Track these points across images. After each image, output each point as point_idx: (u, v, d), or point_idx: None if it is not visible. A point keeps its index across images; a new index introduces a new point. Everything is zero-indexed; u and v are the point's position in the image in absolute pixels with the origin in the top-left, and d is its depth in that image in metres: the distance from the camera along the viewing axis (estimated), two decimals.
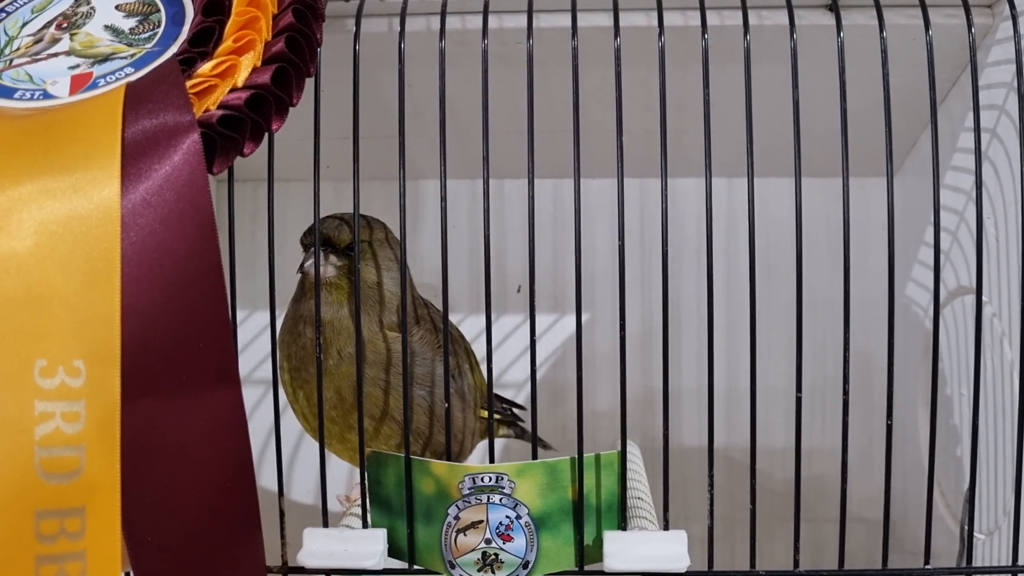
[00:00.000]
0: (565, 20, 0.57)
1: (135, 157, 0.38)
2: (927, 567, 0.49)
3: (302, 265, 0.54)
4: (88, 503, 0.36)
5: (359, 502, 0.53)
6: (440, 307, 0.62)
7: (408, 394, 0.51)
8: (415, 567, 0.49)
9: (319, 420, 0.49)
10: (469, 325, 0.78)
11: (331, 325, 0.54)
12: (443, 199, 0.47)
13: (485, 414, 0.58)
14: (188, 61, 0.44)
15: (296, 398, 0.56)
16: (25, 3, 0.48)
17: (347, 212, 0.56)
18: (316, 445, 0.52)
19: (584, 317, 0.79)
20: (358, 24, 0.50)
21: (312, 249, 0.55)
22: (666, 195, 0.47)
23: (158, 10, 0.47)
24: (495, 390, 0.67)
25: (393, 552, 0.49)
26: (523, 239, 0.79)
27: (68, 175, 0.37)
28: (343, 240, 0.55)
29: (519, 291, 0.79)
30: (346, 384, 0.53)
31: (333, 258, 0.55)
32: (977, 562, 0.57)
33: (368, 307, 0.55)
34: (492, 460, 0.49)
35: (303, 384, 0.55)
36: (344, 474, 0.75)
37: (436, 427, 0.55)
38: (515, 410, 0.68)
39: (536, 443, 0.54)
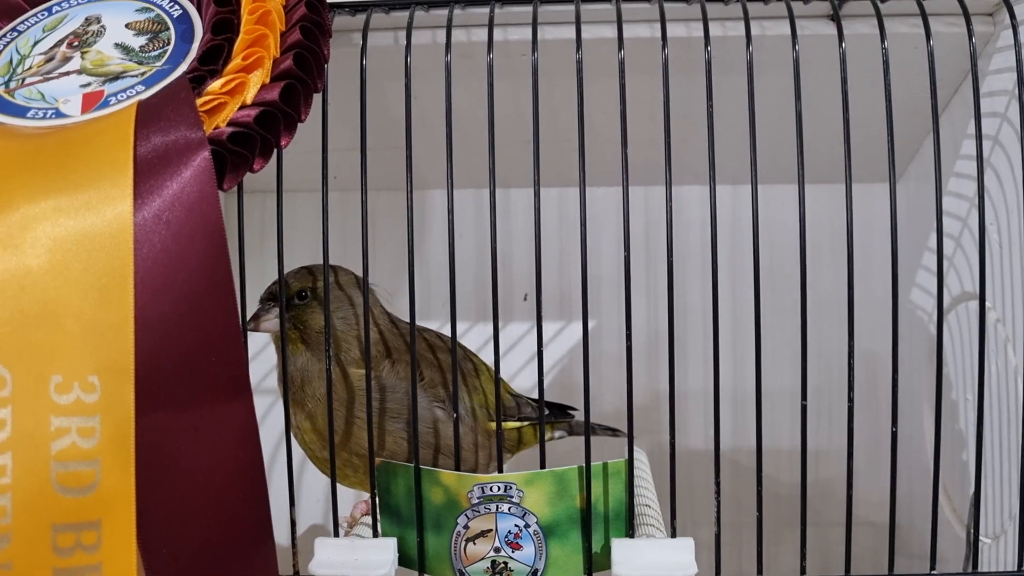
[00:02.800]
0: (569, 32, 0.57)
1: (147, 174, 0.39)
2: (933, 571, 0.49)
3: (249, 320, 0.53)
4: (104, 516, 0.37)
5: (362, 520, 0.53)
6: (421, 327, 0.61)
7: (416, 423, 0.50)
8: None
9: (329, 431, 0.50)
10: (476, 334, 0.78)
11: (301, 375, 0.54)
12: (450, 211, 0.48)
13: (493, 426, 0.58)
14: (198, 79, 0.44)
15: (298, 434, 0.56)
16: (36, 22, 0.49)
17: (305, 266, 0.57)
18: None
19: (590, 324, 0.79)
20: (365, 38, 0.50)
21: (266, 304, 0.55)
22: (671, 203, 0.48)
23: (168, 28, 0.47)
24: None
25: (403, 561, 0.50)
26: (528, 247, 0.79)
27: (81, 193, 0.38)
28: (286, 291, 0.54)
29: (525, 299, 0.80)
30: (326, 425, 0.52)
31: (275, 310, 0.54)
32: (983, 566, 0.57)
33: (320, 352, 0.54)
34: (500, 470, 0.49)
35: (301, 426, 0.55)
36: None
37: (424, 451, 0.54)
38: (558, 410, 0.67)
39: (543, 452, 0.54)
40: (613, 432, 0.65)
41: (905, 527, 0.71)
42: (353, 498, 0.74)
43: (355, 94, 0.49)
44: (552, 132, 0.61)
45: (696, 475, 0.72)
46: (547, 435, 0.63)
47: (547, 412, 0.62)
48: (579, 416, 0.67)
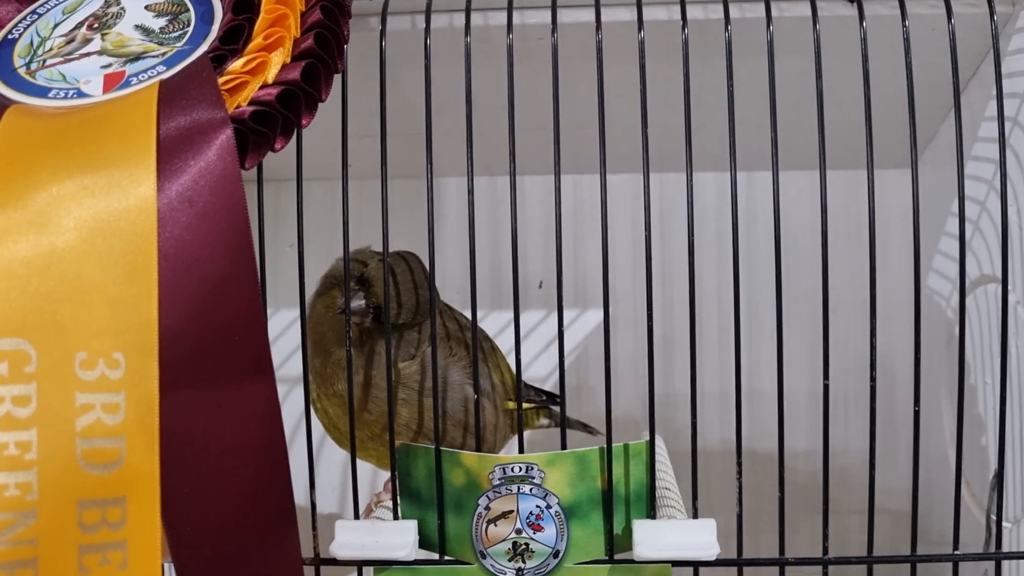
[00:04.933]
0: (583, 16, 0.57)
1: (170, 153, 0.39)
2: (956, 551, 0.49)
3: (342, 308, 0.53)
4: (128, 493, 0.37)
5: (384, 503, 0.53)
6: (452, 306, 0.62)
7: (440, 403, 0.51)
8: (446, 558, 0.49)
9: (350, 421, 0.50)
10: (489, 322, 0.78)
11: (357, 356, 0.54)
12: (470, 191, 0.48)
13: (512, 405, 0.58)
14: (219, 58, 0.44)
15: (319, 407, 0.56)
16: (56, 4, 0.49)
17: (396, 251, 0.56)
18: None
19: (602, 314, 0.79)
20: (384, 20, 0.50)
21: (355, 293, 0.53)
22: (692, 190, 0.48)
23: (187, 9, 0.47)
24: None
25: (424, 543, 0.50)
26: (542, 235, 0.79)
27: (105, 172, 0.38)
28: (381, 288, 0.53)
29: (540, 287, 0.80)
30: (368, 408, 0.54)
31: (362, 295, 0.54)
32: (1004, 550, 0.57)
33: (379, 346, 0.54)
34: (522, 451, 0.49)
35: (327, 399, 0.55)
36: (371, 469, 0.76)
37: (454, 430, 0.55)
38: (550, 397, 0.68)
39: (564, 434, 0.53)
40: (586, 428, 0.67)
41: (924, 513, 0.70)
42: (370, 482, 0.74)
43: (368, 80, 0.49)
44: (566, 118, 0.61)
45: (708, 474, 0.71)
46: (536, 422, 0.65)
47: (543, 399, 0.64)
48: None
